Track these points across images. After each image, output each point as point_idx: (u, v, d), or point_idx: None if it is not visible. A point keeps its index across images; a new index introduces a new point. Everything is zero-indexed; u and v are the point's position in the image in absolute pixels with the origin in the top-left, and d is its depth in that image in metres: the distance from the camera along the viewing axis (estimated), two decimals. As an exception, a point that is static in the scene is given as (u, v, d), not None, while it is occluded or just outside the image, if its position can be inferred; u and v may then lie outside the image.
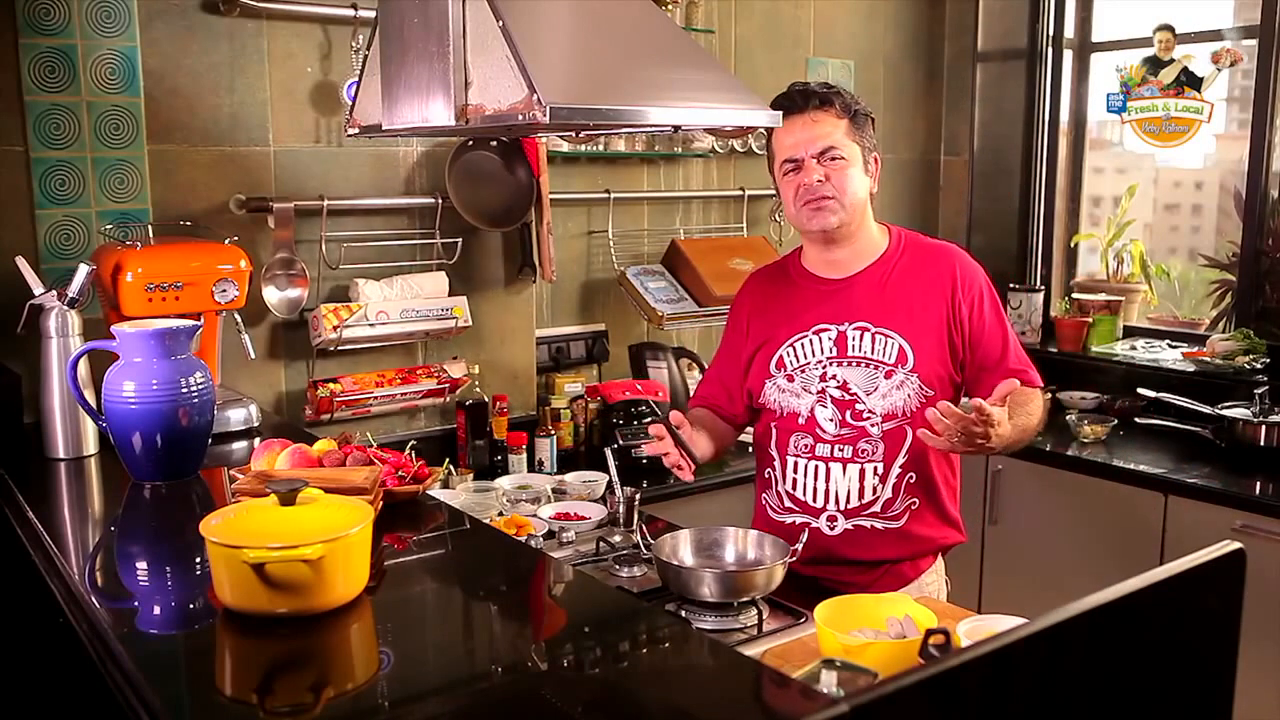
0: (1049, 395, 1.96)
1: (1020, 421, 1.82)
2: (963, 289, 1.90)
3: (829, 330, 1.91)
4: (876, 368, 1.88)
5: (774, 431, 1.96)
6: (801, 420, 1.92)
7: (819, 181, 1.86)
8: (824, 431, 1.90)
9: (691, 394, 3.08)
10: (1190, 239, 3.81)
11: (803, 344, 1.92)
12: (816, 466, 1.91)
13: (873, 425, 1.88)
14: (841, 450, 1.89)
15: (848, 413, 1.88)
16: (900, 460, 1.88)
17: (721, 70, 1.92)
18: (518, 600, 1.47)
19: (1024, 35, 3.84)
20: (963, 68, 3.80)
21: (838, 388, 1.89)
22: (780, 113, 1.85)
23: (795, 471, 1.93)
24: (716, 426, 2.02)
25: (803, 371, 1.92)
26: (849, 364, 1.89)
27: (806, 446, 1.92)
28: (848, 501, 1.90)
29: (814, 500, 1.92)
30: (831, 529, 1.91)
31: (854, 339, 1.90)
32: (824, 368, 1.91)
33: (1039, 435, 1.95)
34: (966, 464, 2.04)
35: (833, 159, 1.86)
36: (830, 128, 1.86)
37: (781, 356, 1.94)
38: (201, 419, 1.81)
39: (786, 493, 1.95)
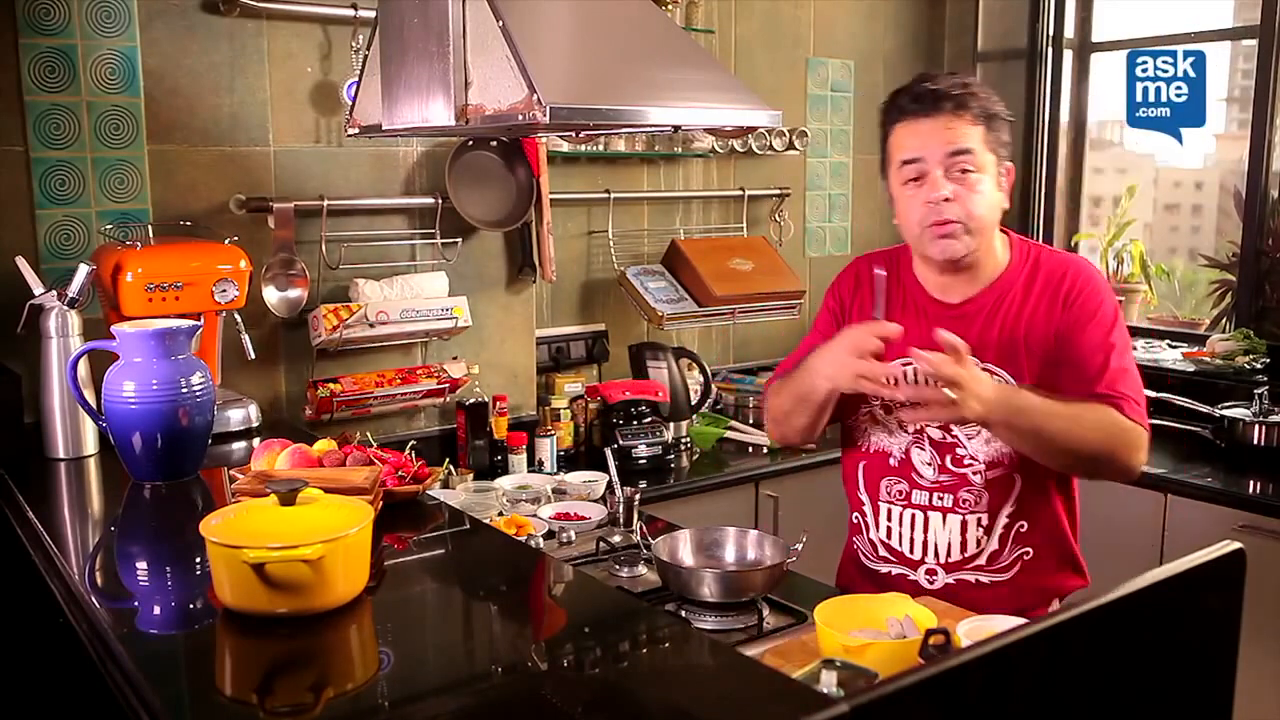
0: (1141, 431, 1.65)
1: (1058, 412, 1.58)
2: (1073, 304, 1.67)
3: None
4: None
5: (862, 473, 1.81)
6: (894, 463, 1.75)
7: (946, 200, 1.62)
8: (920, 477, 1.73)
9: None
10: (1190, 239, 3.81)
11: (905, 373, 1.72)
12: (913, 515, 1.75)
13: (975, 473, 1.70)
14: (941, 499, 1.72)
15: (948, 458, 1.71)
16: (1007, 510, 1.70)
17: (721, 70, 1.92)
18: (518, 600, 1.47)
19: (1024, 35, 3.84)
20: (963, 68, 3.79)
21: (938, 427, 1.71)
22: (779, 112, 1.82)
23: (890, 520, 1.77)
24: None
25: (901, 404, 1.72)
26: None
27: (901, 493, 1.75)
28: (948, 554, 1.73)
29: (911, 551, 1.76)
30: (931, 583, 1.74)
31: (908, 377, 1.71)
32: None
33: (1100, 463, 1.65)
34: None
35: (964, 170, 1.63)
36: (965, 134, 1.63)
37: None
38: (201, 419, 1.81)
39: (880, 541, 1.79)
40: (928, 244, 1.68)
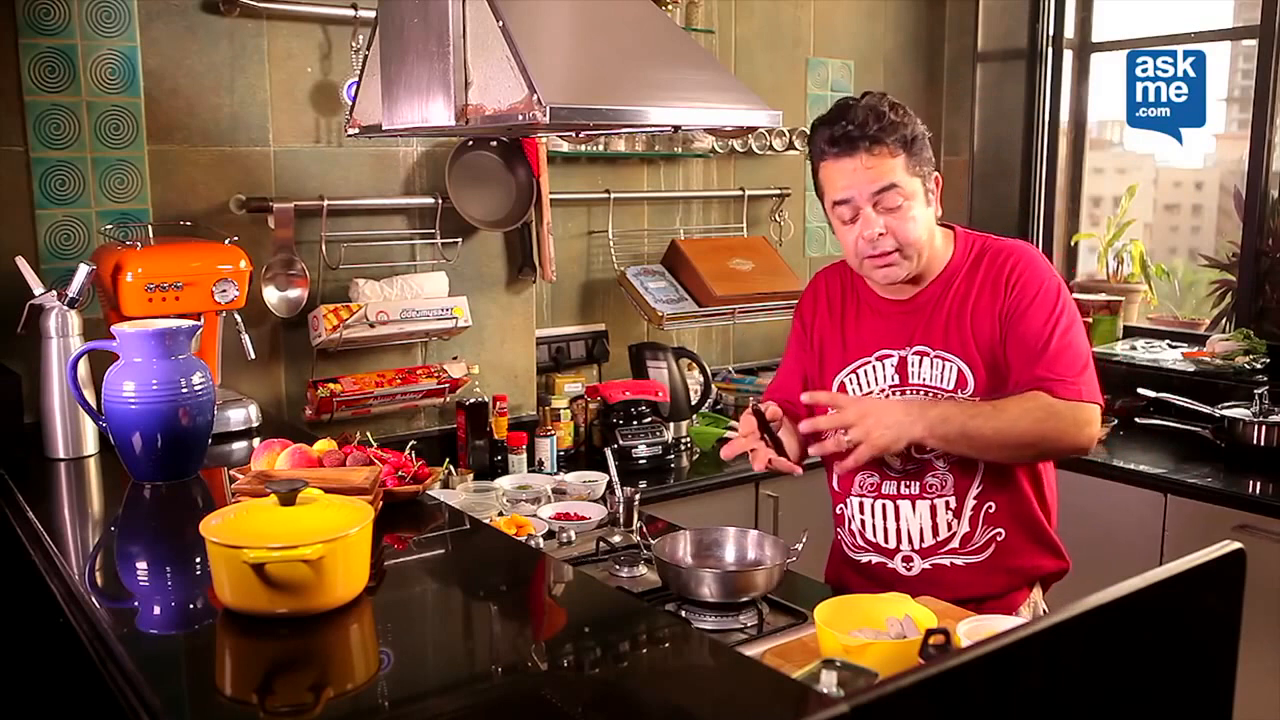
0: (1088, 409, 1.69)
1: (981, 411, 1.64)
2: (1016, 284, 1.71)
3: (891, 356, 1.78)
4: (935, 395, 1.74)
5: (837, 469, 1.80)
6: None
7: (880, 235, 1.68)
8: (889, 467, 1.78)
9: (701, 394, 3.08)
10: (1190, 239, 3.81)
11: (865, 371, 1.80)
12: (884, 505, 1.79)
13: (938, 457, 1.74)
14: (908, 486, 1.77)
15: (911, 446, 1.71)
16: (974, 491, 1.74)
17: (721, 70, 1.92)
18: (518, 600, 1.46)
19: (1024, 35, 3.84)
20: (963, 68, 3.80)
21: None
22: (779, 112, 1.83)
23: (863, 512, 1.82)
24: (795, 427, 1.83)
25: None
26: (910, 392, 1.76)
27: (873, 485, 1.80)
28: (921, 540, 1.77)
29: (886, 541, 1.80)
30: (908, 569, 1.78)
31: (914, 364, 1.76)
32: (885, 396, 1.77)
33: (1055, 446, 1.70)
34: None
35: (891, 207, 1.67)
36: (888, 168, 1.67)
37: (843, 383, 1.82)
38: (201, 419, 1.81)
39: (857, 533, 1.84)
40: (870, 273, 1.76)
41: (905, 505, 1.78)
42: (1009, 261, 1.75)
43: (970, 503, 1.75)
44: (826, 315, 1.88)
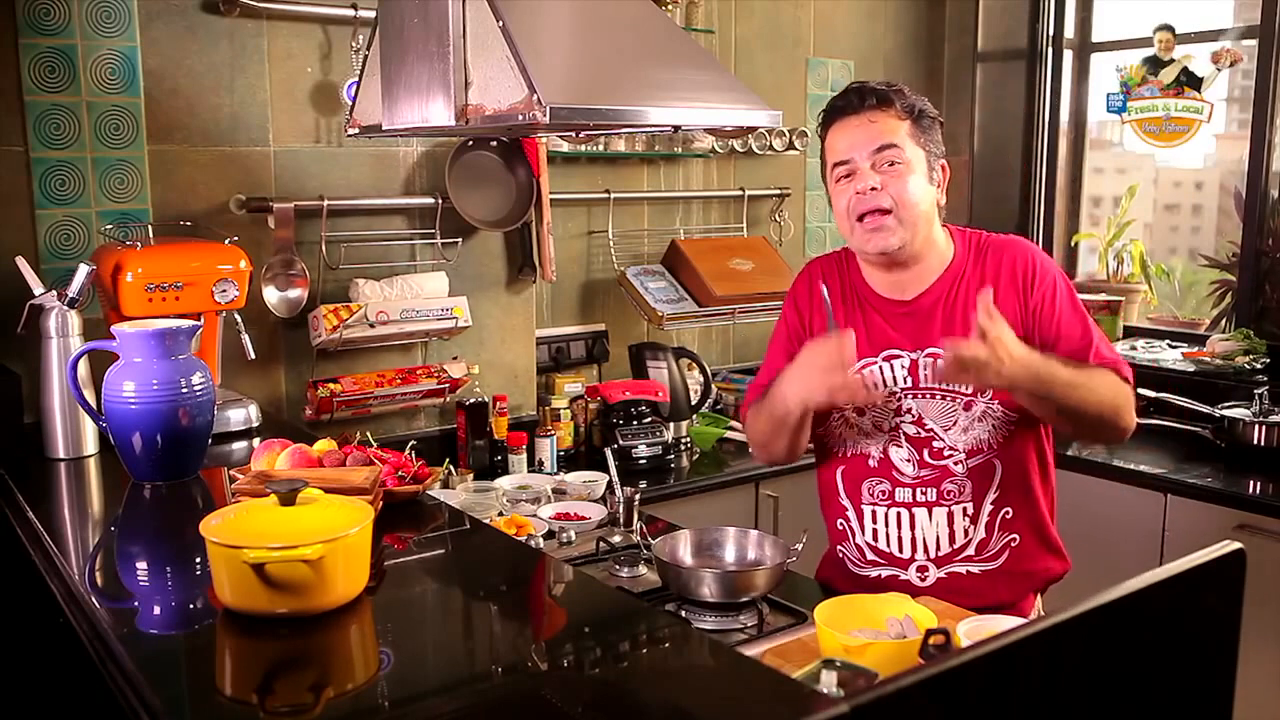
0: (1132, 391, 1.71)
1: (1075, 379, 1.60)
2: (1035, 283, 1.70)
3: (900, 357, 1.73)
4: (954, 399, 1.70)
5: (841, 479, 1.80)
6: (873, 463, 1.75)
7: (873, 190, 1.65)
8: (901, 474, 1.73)
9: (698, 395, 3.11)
10: (1190, 239, 3.81)
11: (873, 371, 1.74)
12: (899, 514, 1.74)
13: (956, 463, 1.71)
14: (925, 494, 1.72)
15: (925, 451, 1.72)
16: (991, 496, 1.72)
17: (721, 70, 1.92)
18: (518, 600, 1.46)
19: (1024, 35, 3.84)
20: (963, 68, 3.80)
21: (913, 423, 1.72)
22: (780, 112, 1.82)
23: (875, 521, 1.76)
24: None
25: (874, 405, 1.74)
26: (924, 395, 1.72)
27: (884, 493, 1.75)
28: (937, 548, 1.73)
29: (900, 551, 1.75)
30: (923, 580, 1.74)
31: (927, 368, 1.71)
32: (898, 400, 1.72)
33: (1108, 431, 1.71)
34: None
35: (891, 163, 1.66)
36: (890, 128, 1.67)
37: None
38: (201, 419, 1.81)
39: (868, 545, 1.78)
40: (860, 239, 1.70)
41: (921, 513, 1.73)
42: (1019, 259, 1.73)
43: (987, 508, 1.73)
44: (822, 306, 1.81)
